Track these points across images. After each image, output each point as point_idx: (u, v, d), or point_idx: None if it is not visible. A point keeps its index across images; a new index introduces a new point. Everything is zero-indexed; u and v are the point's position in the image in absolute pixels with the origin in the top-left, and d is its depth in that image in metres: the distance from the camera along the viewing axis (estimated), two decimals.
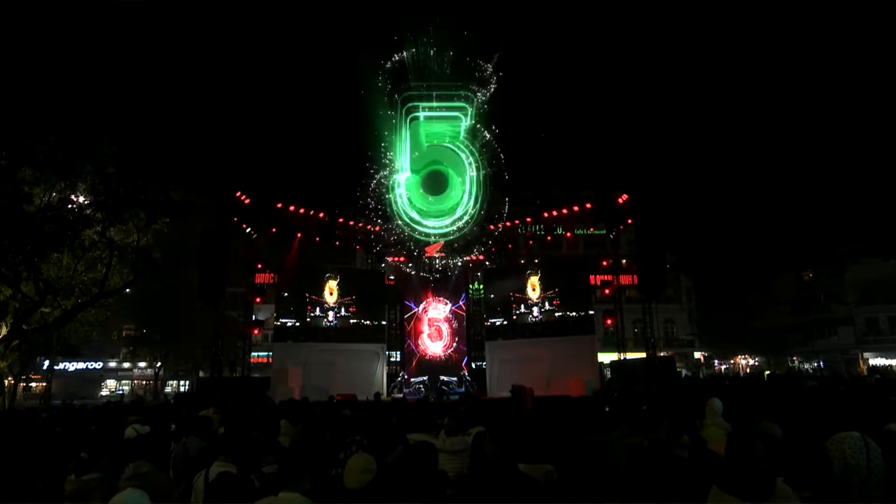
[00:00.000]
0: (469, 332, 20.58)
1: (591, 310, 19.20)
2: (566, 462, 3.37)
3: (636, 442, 3.98)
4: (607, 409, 6.58)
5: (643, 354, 19.62)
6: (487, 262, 21.28)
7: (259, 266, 19.35)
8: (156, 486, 3.68)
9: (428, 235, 18.50)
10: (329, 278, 19.23)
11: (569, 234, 20.64)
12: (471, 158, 18.41)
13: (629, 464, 3.55)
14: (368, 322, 19.42)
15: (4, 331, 16.20)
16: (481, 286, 21.00)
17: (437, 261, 20.09)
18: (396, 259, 20.45)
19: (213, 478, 3.14)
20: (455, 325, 20.41)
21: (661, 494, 2.95)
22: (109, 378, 41.71)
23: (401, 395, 17.47)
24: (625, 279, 20.36)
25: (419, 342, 20.10)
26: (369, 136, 18.64)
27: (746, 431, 2.45)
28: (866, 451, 2.98)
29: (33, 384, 36.01)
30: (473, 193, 18.34)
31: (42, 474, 4.10)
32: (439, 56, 17.94)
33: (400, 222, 18.11)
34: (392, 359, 20.30)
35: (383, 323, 19.87)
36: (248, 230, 18.33)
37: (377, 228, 19.17)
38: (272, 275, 19.90)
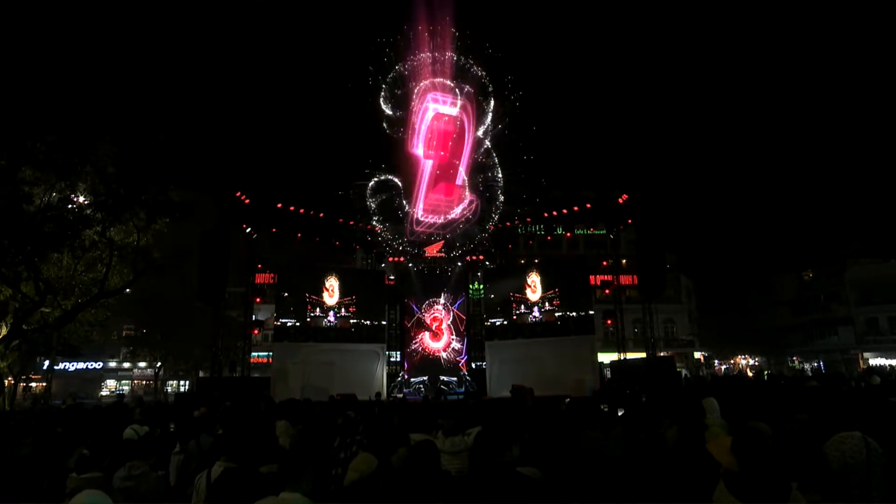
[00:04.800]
0: (469, 332, 20.56)
1: (591, 310, 19.17)
2: (562, 461, 3.38)
3: (636, 442, 3.98)
4: (605, 408, 6.55)
5: (643, 354, 19.62)
6: (487, 262, 21.26)
7: (259, 266, 19.27)
8: (148, 487, 3.71)
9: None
10: (329, 278, 19.23)
11: (568, 234, 20.62)
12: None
13: (629, 463, 3.56)
14: (368, 322, 19.39)
15: (4, 331, 16.19)
16: (481, 286, 20.97)
17: (437, 261, 20.10)
18: (396, 259, 20.44)
19: (215, 476, 3.14)
20: (455, 325, 20.41)
21: (662, 493, 2.95)
22: (109, 378, 41.72)
23: (401, 396, 17.46)
24: (625, 279, 20.37)
25: (419, 342, 20.11)
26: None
27: (757, 435, 2.35)
28: (867, 451, 2.98)
29: (33, 384, 35.98)
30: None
31: (45, 473, 4.11)
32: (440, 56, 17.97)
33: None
34: (392, 359, 20.26)
35: (383, 323, 19.83)
36: (248, 230, 18.33)
37: (377, 228, 19.15)
38: (272, 275, 19.87)
